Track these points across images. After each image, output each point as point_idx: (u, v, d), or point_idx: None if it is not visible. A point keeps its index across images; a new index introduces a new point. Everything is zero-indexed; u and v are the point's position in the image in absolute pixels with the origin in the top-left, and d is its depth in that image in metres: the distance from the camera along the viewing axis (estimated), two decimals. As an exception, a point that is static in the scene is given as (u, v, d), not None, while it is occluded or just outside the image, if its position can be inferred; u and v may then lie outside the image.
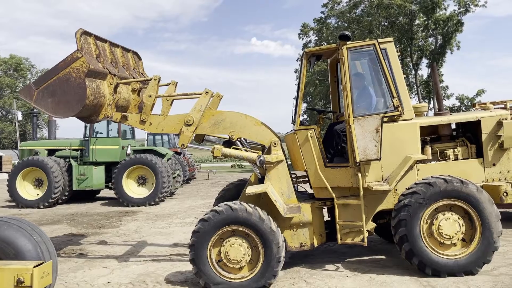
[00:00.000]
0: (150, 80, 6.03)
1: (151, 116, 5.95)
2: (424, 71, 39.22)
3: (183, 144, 5.84)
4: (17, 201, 13.70)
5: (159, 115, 5.96)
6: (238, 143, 5.93)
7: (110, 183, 14.18)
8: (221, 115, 5.86)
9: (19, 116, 47.98)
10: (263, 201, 5.52)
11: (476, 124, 5.78)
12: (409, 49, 34.90)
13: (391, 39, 5.79)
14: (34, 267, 3.44)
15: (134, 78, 6.60)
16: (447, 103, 36.12)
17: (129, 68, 6.76)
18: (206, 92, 5.85)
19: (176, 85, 6.12)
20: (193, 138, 6.02)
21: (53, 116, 5.80)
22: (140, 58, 7.29)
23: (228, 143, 5.94)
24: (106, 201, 15.05)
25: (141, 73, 7.12)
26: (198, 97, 5.90)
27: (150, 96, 5.92)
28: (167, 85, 6.12)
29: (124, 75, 6.38)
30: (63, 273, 5.96)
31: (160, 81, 6.03)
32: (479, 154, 5.77)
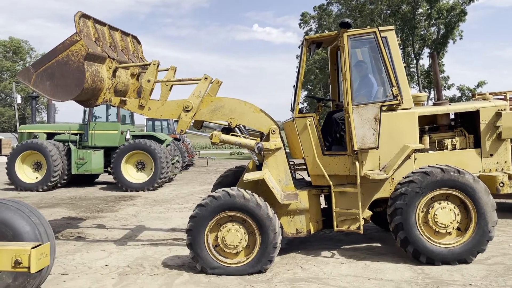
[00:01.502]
0: (149, 65, 6.01)
1: (150, 101, 5.94)
2: (425, 61, 39.03)
3: (181, 130, 5.85)
4: (16, 184, 13.74)
5: (158, 100, 5.95)
6: (237, 130, 5.93)
7: (109, 167, 14.21)
8: (220, 101, 5.85)
9: (18, 99, 47.79)
10: (260, 187, 5.54)
11: (475, 114, 5.78)
12: (411, 38, 34.64)
13: (392, 27, 5.76)
14: (32, 248, 3.47)
15: (133, 62, 6.57)
16: (448, 93, 36.00)
17: (128, 53, 6.72)
18: (205, 78, 5.84)
19: (175, 70, 6.11)
20: (191, 124, 6.02)
21: (51, 99, 5.80)
22: (139, 43, 7.25)
23: (227, 130, 5.94)
24: (105, 186, 15.10)
25: (140, 58, 7.09)
26: (197, 83, 5.89)
27: (149, 81, 5.91)
28: (166, 70, 6.11)
29: (123, 59, 6.35)
30: (61, 255, 6.02)
31: (159, 66, 6.00)
32: (477, 144, 5.78)
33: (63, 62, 5.54)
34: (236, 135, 5.81)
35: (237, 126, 5.93)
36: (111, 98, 6.02)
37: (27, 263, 3.44)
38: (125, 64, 6.28)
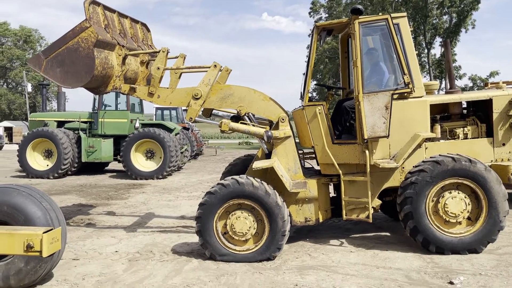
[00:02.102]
0: (159, 52, 5.99)
1: (159, 88, 5.94)
2: (437, 50, 38.50)
3: (190, 118, 5.84)
4: (27, 171, 13.93)
5: (167, 88, 5.94)
6: (246, 118, 5.91)
7: (118, 156, 14.32)
8: (229, 89, 5.82)
9: (29, 88, 48.24)
10: (269, 176, 5.54)
11: (488, 103, 5.69)
12: (422, 27, 34.15)
13: (404, 14, 5.67)
14: (44, 232, 3.51)
15: (142, 50, 6.56)
16: (459, 83, 35.51)
17: (138, 40, 6.71)
18: (215, 66, 5.81)
19: (184, 58, 6.09)
20: (201, 112, 6.01)
21: (62, 86, 5.82)
22: (148, 30, 7.22)
23: (236, 118, 5.92)
24: (115, 174, 15.23)
25: (150, 45, 7.07)
26: (207, 71, 5.86)
27: (158, 68, 5.90)
28: (175, 58, 6.09)
29: (132, 47, 6.34)
30: (72, 241, 6.10)
31: (168, 53, 5.98)
32: (489, 133, 5.71)
33: (73, 49, 5.55)
34: (246, 123, 5.79)
35: (246, 115, 5.90)
36: (121, 85, 6.02)
37: (39, 247, 3.49)
38: (134, 52, 6.28)
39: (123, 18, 6.45)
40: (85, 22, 5.51)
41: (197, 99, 5.77)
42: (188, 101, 5.83)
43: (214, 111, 6.23)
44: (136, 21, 6.86)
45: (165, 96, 5.92)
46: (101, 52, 5.63)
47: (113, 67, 5.87)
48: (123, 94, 6.26)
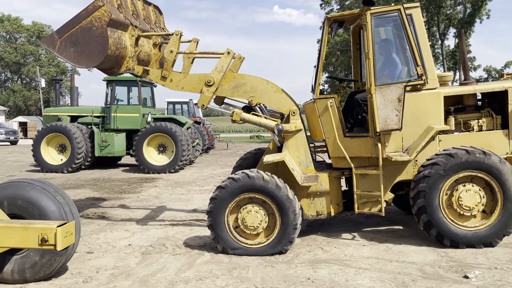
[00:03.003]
0: (172, 35, 5.95)
1: (172, 72, 5.91)
2: (450, 42, 37.90)
3: (203, 105, 5.80)
4: (41, 165, 14.12)
5: (180, 72, 5.91)
6: (258, 109, 5.86)
7: (131, 150, 14.44)
8: (243, 78, 5.79)
9: (43, 83, 48.80)
10: (280, 170, 5.52)
11: (503, 94, 5.57)
12: (436, 18, 33.60)
13: (417, 4, 5.56)
14: (58, 226, 3.56)
15: (155, 32, 6.52)
16: (474, 74, 34.97)
17: (150, 22, 6.66)
18: (228, 53, 5.76)
19: (197, 42, 6.02)
20: (213, 99, 5.97)
21: (76, 66, 5.82)
22: (161, 13, 7.15)
23: (248, 109, 5.89)
24: (127, 168, 15.36)
25: (162, 28, 7.03)
26: (219, 57, 5.82)
27: (171, 51, 5.86)
28: (188, 42, 6.02)
29: (145, 28, 6.31)
30: (86, 234, 6.17)
31: (181, 36, 5.94)
32: (505, 125, 5.59)
33: (86, 28, 5.54)
34: (258, 115, 5.76)
35: (258, 105, 5.86)
36: (134, 66, 5.98)
37: (53, 241, 3.53)
38: (147, 33, 6.23)
39: (136, 0, 6.44)
40: (98, 1, 5.49)
41: (210, 86, 5.74)
42: (200, 87, 5.79)
43: (226, 99, 6.19)
44: (149, 3, 6.81)
45: (178, 81, 5.89)
46: (115, 32, 5.61)
47: (126, 48, 5.85)
48: (136, 76, 6.23)
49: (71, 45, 5.62)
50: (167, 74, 5.87)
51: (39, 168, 14.38)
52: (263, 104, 5.91)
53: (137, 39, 6.02)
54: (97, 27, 5.49)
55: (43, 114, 16.84)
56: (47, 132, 14.17)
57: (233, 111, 5.63)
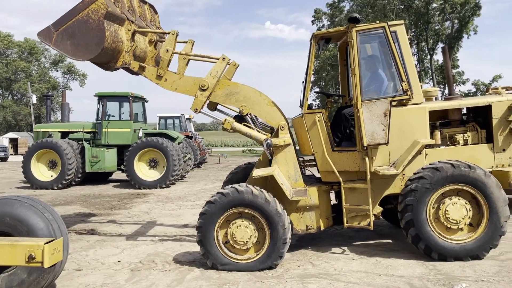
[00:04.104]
0: (168, 33, 6.00)
1: (168, 72, 5.95)
2: (439, 56, 38.52)
3: (196, 109, 5.82)
4: (31, 182, 14.01)
5: (176, 73, 5.95)
6: (249, 119, 5.89)
7: (122, 165, 14.39)
8: (237, 87, 5.85)
9: (34, 99, 48.58)
10: (270, 184, 5.56)
11: (487, 109, 5.70)
12: (425, 33, 34.22)
13: (402, 21, 5.71)
14: (45, 243, 3.55)
15: (151, 29, 6.57)
16: (463, 88, 35.58)
17: (146, 20, 6.72)
18: (223, 59, 5.83)
19: (193, 44, 6.07)
20: (206, 104, 5.99)
21: (72, 58, 5.78)
22: (156, 12, 7.22)
23: (239, 118, 5.92)
24: (118, 183, 15.29)
25: (157, 27, 7.09)
26: (215, 62, 5.87)
27: (167, 51, 5.91)
28: (184, 42, 6.08)
29: (141, 25, 6.36)
30: (75, 251, 6.13)
31: (178, 36, 5.99)
32: (489, 139, 5.71)
33: (83, 21, 5.56)
34: (249, 126, 5.80)
35: (249, 116, 5.89)
36: (131, 61, 6.00)
37: (40, 258, 3.52)
38: (143, 29, 6.27)
39: None
40: None
41: (204, 90, 5.77)
42: (194, 90, 5.83)
43: (219, 106, 6.23)
44: (144, 2, 6.88)
45: (172, 81, 5.92)
46: (111, 25, 5.64)
47: (123, 42, 5.88)
48: (132, 73, 6.19)
49: (67, 37, 5.63)
50: (163, 73, 5.91)
51: (29, 185, 14.27)
52: (254, 115, 5.96)
53: (133, 34, 6.06)
54: (93, 19, 5.52)
55: (34, 130, 16.77)
56: (38, 149, 14.10)
57: (225, 119, 5.68)
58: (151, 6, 7.11)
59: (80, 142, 14.64)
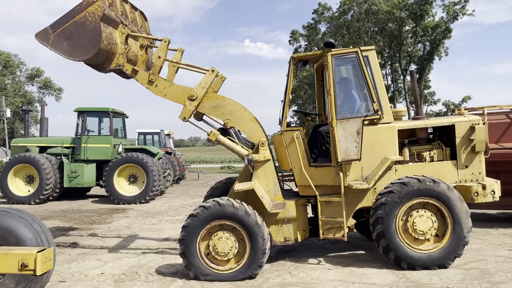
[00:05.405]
0: (159, 40, 6.28)
1: (159, 78, 6.20)
2: (412, 77, 39.74)
3: (184, 117, 6.05)
4: (8, 197, 13.84)
5: (166, 80, 6.20)
6: (232, 132, 6.16)
7: (101, 180, 14.38)
8: (223, 101, 6.14)
9: (8, 113, 47.59)
10: (250, 197, 5.83)
11: (451, 128, 6.16)
12: (398, 55, 35.47)
13: (373, 47, 6.15)
14: (38, 252, 3.71)
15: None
16: (434, 108, 36.83)
17: (137, 25, 6.99)
18: (213, 71, 6.14)
19: (182, 52, 6.36)
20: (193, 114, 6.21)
21: (69, 59, 5.94)
22: (146, 19, 7.50)
23: (223, 131, 6.20)
24: (97, 199, 15.23)
25: (148, 33, 7.38)
26: (204, 73, 6.17)
27: (159, 57, 6.18)
28: (174, 50, 6.35)
29: (133, 29, 6.62)
30: (57, 264, 6.20)
31: (169, 43, 6.26)
32: (453, 156, 6.15)
33: (80, 23, 5.78)
34: (233, 141, 6.09)
35: (233, 129, 6.17)
36: (124, 63, 6.23)
37: (33, 266, 3.67)
38: (136, 34, 6.54)
39: (124, 2, 6.74)
40: None
41: (193, 100, 6.04)
42: (182, 99, 6.09)
43: (205, 117, 6.45)
44: (136, 8, 7.15)
45: (163, 88, 6.17)
46: (107, 27, 5.88)
47: (117, 44, 6.12)
48: (124, 76, 6.36)
49: (64, 39, 5.83)
50: (154, 78, 6.17)
51: (5, 200, 14.07)
52: (238, 129, 6.25)
53: (127, 38, 6.33)
54: (90, 21, 5.75)
55: (11, 144, 16.57)
56: (15, 163, 13.98)
57: (211, 131, 5.96)
58: (142, 13, 7.42)
59: (58, 157, 14.58)
